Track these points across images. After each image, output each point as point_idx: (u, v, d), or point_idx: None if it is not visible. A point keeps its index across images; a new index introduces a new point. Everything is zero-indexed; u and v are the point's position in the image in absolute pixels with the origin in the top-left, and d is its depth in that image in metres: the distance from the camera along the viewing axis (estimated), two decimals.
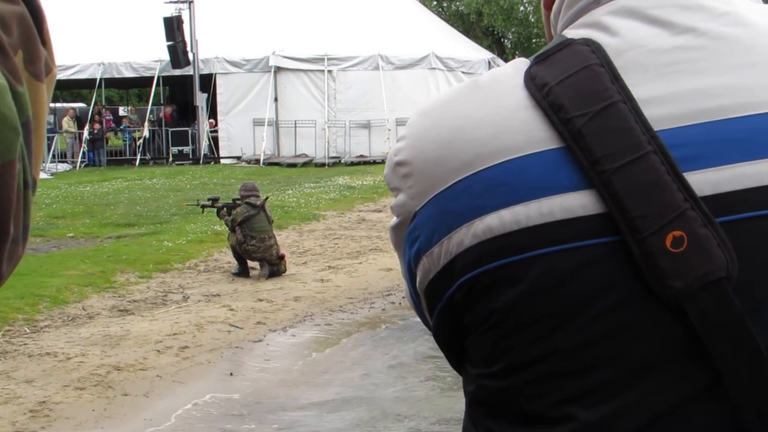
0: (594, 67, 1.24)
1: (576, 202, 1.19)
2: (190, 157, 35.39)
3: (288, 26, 34.55)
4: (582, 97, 1.22)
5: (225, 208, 13.96)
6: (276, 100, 34.73)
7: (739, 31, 1.26)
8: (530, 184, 1.21)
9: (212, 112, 35.58)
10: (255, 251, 13.47)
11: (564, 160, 1.21)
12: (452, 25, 48.74)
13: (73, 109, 39.72)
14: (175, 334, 10.46)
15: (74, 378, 8.84)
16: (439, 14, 54.25)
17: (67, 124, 36.36)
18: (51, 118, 36.80)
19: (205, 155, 34.91)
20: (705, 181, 1.17)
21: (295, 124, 34.45)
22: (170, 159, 35.34)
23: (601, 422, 1.20)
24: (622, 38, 1.27)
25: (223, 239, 15.38)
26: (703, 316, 1.14)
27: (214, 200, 14.42)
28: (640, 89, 1.22)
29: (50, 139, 34.86)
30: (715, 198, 1.17)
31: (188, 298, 12.37)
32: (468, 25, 58.20)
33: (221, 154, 35.24)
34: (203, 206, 14.67)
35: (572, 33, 1.32)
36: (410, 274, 1.37)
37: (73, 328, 10.72)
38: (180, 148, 35.61)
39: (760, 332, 1.14)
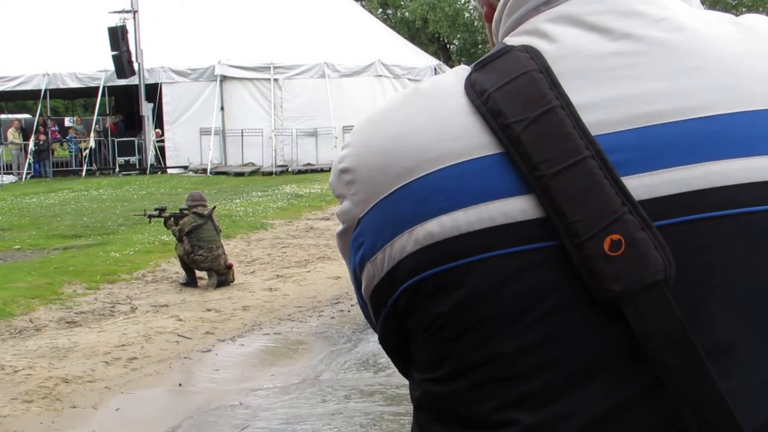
0: (532, 73, 1.25)
1: (515, 207, 1.20)
2: (137, 167, 35.21)
3: (233, 35, 34.48)
4: (520, 103, 1.23)
5: (172, 218, 13.93)
6: (222, 109, 34.63)
7: (676, 37, 1.27)
8: (470, 190, 1.22)
9: (158, 122, 35.38)
10: (203, 261, 13.45)
11: (504, 166, 1.22)
12: (398, 31, 48.78)
13: (18, 120, 39.36)
14: (123, 345, 10.43)
15: (22, 391, 8.80)
16: (384, 21, 54.27)
17: (12, 135, 36.07)
18: None
19: (151, 165, 34.74)
20: (642, 185, 1.18)
21: (242, 132, 34.37)
22: (117, 169, 35.11)
23: (543, 426, 1.21)
24: (561, 45, 1.29)
25: (170, 249, 15.34)
26: (642, 319, 1.15)
27: (162, 210, 14.39)
28: (577, 95, 1.23)
29: None
30: (652, 202, 1.18)
31: (136, 308, 12.33)
32: (414, 31, 58.28)
33: (168, 163, 35.05)
34: (150, 216, 14.63)
35: (512, 40, 1.34)
36: (356, 280, 1.39)
37: (20, 340, 10.67)
38: (126, 158, 35.44)
39: (699, 335, 1.15)
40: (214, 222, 13.79)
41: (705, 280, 1.18)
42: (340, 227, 1.40)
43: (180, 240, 13.59)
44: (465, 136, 1.25)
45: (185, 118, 34.64)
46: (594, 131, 1.20)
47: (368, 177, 1.32)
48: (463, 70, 1.34)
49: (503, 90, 1.25)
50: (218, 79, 34.36)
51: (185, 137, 34.59)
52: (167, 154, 35.18)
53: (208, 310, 12.24)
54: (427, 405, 1.35)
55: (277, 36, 34.64)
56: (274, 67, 34.30)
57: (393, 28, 50.77)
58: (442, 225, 1.23)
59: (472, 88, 1.28)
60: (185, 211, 13.84)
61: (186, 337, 10.89)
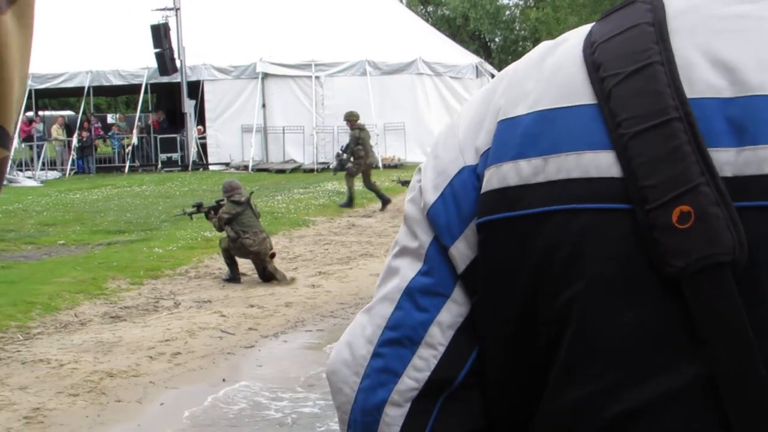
0: (643, 26, 1.19)
1: (595, 162, 1.14)
2: (179, 163, 35.40)
3: (275, 32, 34.53)
4: (622, 56, 1.18)
5: (211, 211, 14.00)
6: (264, 106, 34.69)
7: None
8: (555, 137, 1.18)
9: (200, 119, 35.56)
10: (251, 245, 13.38)
11: (595, 118, 1.16)
12: (439, 29, 48.77)
13: (63, 117, 39.68)
14: (167, 340, 10.50)
15: (67, 384, 8.87)
16: (425, 19, 54.26)
17: (56, 132, 36.38)
18: (40, 126, 36.92)
19: (193, 162, 34.92)
20: (728, 160, 1.09)
21: (283, 130, 34.42)
22: (159, 166, 35.33)
23: (577, 406, 1.16)
24: (688, 0, 1.21)
25: (213, 245, 15.41)
26: (699, 301, 1.07)
27: (199, 206, 14.45)
28: (685, 52, 1.15)
29: (40, 147, 34.95)
30: (737, 180, 1.08)
31: (179, 304, 12.39)
32: (454, 29, 58.33)
33: (210, 160, 35.21)
34: (190, 214, 14.69)
35: None
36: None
37: (65, 334, 10.75)
38: (169, 154, 35.61)
39: (757, 333, 1.05)
40: (252, 208, 13.86)
41: None
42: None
43: (221, 229, 13.64)
44: (566, 85, 1.21)
45: (227, 115, 34.77)
46: (691, 94, 1.12)
47: (476, 110, 1.32)
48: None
49: (610, 42, 1.21)
50: (260, 76, 34.45)
51: (227, 134, 34.73)
52: (209, 151, 35.35)
53: (251, 306, 12.28)
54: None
55: (318, 33, 34.66)
56: (316, 65, 34.35)
57: (433, 25, 50.79)
58: (519, 170, 1.20)
59: (588, 38, 1.25)
60: (222, 202, 13.88)
61: (229, 333, 10.93)
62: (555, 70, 1.24)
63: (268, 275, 13.65)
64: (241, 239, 13.39)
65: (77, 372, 9.25)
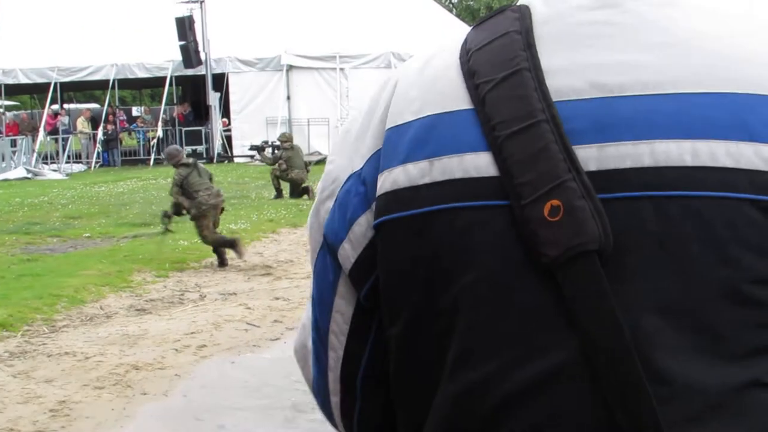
0: (511, 35, 1.28)
1: (474, 164, 1.23)
2: (204, 156, 35.40)
3: (300, 24, 34.57)
4: (493, 63, 1.27)
5: (174, 208, 14.37)
6: (288, 98, 34.74)
7: (662, 12, 1.26)
8: (439, 141, 1.26)
9: (225, 111, 35.63)
10: (209, 197, 13.99)
11: (473, 122, 1.25)
12: (463, 20, 48.72)
13: (88, 110, 39.82)
14: (192, 332, 10.48)
15: (93, 377, 8.87)
16: (449, 9, 54.22)
17: (82, 124, 36.52)
18: (66, 120, 37.04)
19: (218, 154, 34.98)
20: (591, 156, 1.19)
21: (308, 122, 34.46)
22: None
23: (471, 387, 1.23)
24: (552, 7, 1.30)
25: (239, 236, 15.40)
26: (570, 286, 1.16)
27: (165, 213, 14.82)
28: (549, 59, 1.25)
29: (65, 140, 35.09)
30: (599, 174, 1.18)
31: (205, 296, 12.39)
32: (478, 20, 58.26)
33: (235, 152, 35.28)
34: (166, 227, 14.92)
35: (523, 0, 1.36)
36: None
37: (91, 327, 10.76)
38: (194, 147, 35.61)
39: (625, 314, 1.14)
40: (199, 168, 14.30)
41: (638, 260, 1.16)
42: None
43: (178, 203, 14.17)
44: (446, 92, 1.30)
45: (252, 107, 34.85)
46: (556, 97, 1.22)
47: (364, 117, 1.41)
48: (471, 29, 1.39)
49: (483, 50, 1.30)
50: (284, 68, 34.49)
51: (252, 126, 34.73)
52: (234, 143, 35.45)
53: (276, 298, 12.25)
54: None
55: (342, 25, 34.66)
56: (340, 57, 34.37)
57: (457, 16, 50.70)
58: (407, 173, 1.28)
59: (464, 46, 1.34)
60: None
61: (255, 326, 10.91)
62: (435, 78, 1.33)
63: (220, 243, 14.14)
64: (198, 197, 13.85)
65: (103, 365, 9.25)
